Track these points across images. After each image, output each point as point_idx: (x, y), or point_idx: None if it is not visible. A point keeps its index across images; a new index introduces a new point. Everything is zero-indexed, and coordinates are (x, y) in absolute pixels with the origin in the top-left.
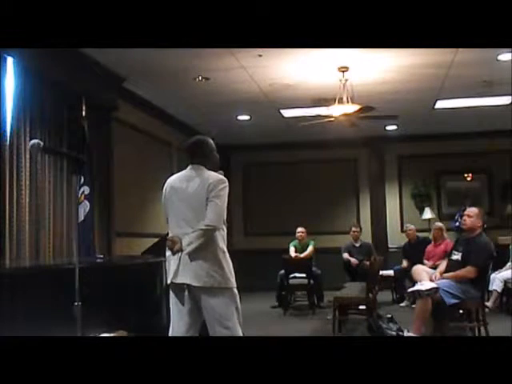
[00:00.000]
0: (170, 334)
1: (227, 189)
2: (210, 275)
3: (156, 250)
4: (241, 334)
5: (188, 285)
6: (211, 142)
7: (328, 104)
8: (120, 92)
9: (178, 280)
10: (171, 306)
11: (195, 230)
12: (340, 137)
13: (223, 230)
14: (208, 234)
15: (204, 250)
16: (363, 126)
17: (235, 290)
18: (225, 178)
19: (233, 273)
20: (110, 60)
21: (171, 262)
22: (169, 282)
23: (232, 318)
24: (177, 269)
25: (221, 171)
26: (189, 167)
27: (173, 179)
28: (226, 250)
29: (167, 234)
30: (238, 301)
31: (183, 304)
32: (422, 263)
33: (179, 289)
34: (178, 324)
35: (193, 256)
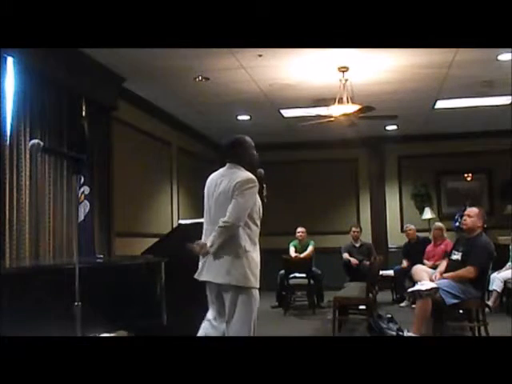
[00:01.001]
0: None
1: (255, 189)
2: (230, 273)
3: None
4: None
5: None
6: (248, 141)
7: (328, 104)
8: (120, 92)
9: (202, 278)
10: None
11: (215, 230)
12: (340, 137)
13: (249, 228)
14: (227, 231)
15: (226, 248)
16: (363, 126)
17: (253, 291)
18: (253, 178)
19: (255, 272)
20: (110, 60)
21: (200, 259)
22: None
23: (242, 317)
24: (202, 267)
25: (260, 170)
26: (226, 165)
27: (211, 176)
28: (251, 248)
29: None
30: (255, 303)
31: (211, 295)
32: (422, 263)
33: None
34: (208, 313)
35: (215, 254)
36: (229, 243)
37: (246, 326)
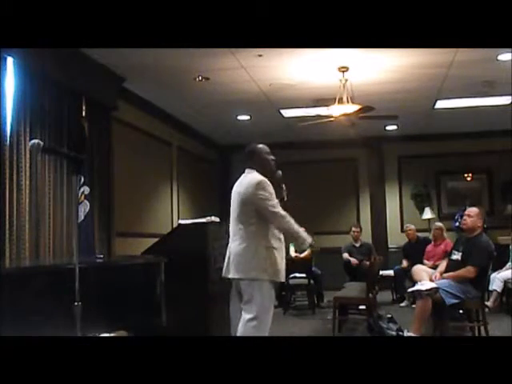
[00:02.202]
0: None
1: (266, 189)
2: (246, 268)
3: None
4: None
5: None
6: (261, 148)
7: (328, 104)
8: (120, 92)
9: (224, 275)
10: None
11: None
12: (340, 137)
13: (266, 225)
14: (289, 229)
15: (245, 245)
16: (363, 126)
17: (265, 285)
18: (260, 181)
19: (272, 266)
20: (109, 60)
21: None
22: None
23: (256, 311)
24: (225, 266)
25: (279, 171)
26: (245, 171)
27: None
28: (273, 244)
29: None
30: (270, 298)
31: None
32: (422, 263)
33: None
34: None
35: (234, 254)
36: (247, 240)
37: (260, 318)
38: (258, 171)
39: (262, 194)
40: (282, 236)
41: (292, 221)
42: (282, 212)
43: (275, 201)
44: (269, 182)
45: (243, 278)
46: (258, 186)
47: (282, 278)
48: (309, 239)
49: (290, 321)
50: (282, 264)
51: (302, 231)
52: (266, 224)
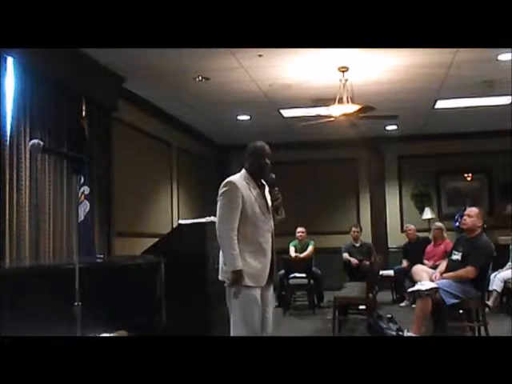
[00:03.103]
0: None
1: (226, 193)
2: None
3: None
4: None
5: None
6: (257, 149)
7: (328, 104)
8: (120, 92)
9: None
10: None
11: None
12: (340, 137)
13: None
14: (220, 243)
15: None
16: (363, 126)
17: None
18: (227, 182)
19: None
20: (110, 60)
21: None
22: None
23: (233, 314)
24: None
25: (272, 175)
26: None
27: None
28: (243, 248)
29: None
30: (241, 299)
31: None
32: (422, 263)
33: None
34: None
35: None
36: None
37: (236, 323)
38: (248, 171)
39: (220, 196)
40: (263, 239)
41: (230, 239)
42: (228, 226)
43: (232, 204)
44: (235, 184)
45: (221, 279)
46: (221, 186)
47: (257, 283)
48: (232, 268)
49: (290, 321)
50: (258, 268)
51: (232, 256)
52: (241, 226)
